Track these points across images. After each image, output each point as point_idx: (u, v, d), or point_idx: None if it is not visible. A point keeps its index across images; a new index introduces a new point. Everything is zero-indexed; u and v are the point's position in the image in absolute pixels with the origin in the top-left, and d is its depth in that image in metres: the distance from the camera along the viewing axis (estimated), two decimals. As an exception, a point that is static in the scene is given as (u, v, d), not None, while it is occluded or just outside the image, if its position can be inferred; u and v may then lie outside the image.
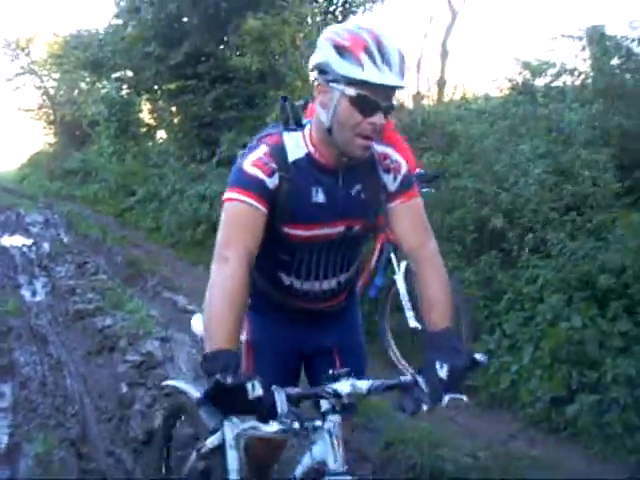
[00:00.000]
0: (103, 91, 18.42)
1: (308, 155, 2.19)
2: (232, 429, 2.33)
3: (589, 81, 6.46)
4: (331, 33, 2.04)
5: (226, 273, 1.97)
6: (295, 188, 2.15)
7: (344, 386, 1.91)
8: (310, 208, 2.19)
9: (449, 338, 2.06)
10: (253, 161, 2.12)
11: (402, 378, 2.02)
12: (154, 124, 17.34)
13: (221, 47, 12.25)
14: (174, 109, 14.22)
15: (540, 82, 6.98)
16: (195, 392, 2.67)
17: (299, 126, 2.24)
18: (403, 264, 5.10)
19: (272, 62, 10.90)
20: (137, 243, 11.87)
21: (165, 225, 12.16)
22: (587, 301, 4.65)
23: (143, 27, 12.77)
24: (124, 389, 5.02)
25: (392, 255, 5.30)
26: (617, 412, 4.09)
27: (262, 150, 2.15)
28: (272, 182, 2.12)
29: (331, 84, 2.01)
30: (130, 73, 15.42)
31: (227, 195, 2.12)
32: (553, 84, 6.84)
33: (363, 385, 1.94)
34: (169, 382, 3.35)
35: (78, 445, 4.35)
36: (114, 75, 16.45)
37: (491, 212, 5.80)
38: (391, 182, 2.27)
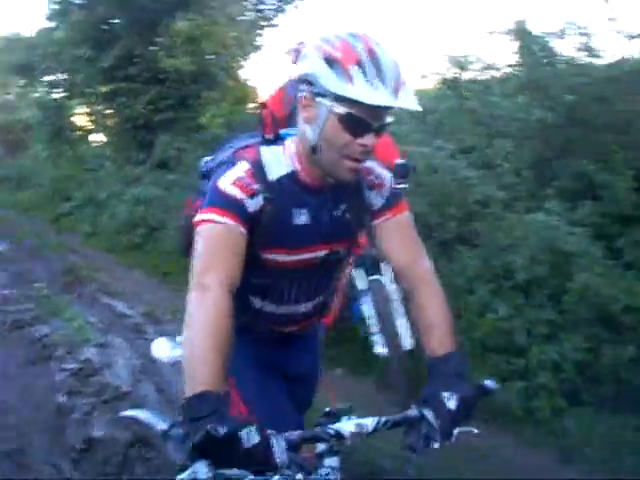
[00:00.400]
0: (35, 95, 18.09)
1: (293, 173, 1.97)
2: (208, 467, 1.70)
3: (516, 73, 6.59)
4: (321, 41, 1.80)
5: (207, 303, 1.72)
6: (277, 209, 1.94)
7: (348, 425, 1.71)
8: (292, 231, 1.98)
9: (451, 364, 1.85)
10: (232, 180, 1.88)
11: (408, 412, 1.79)
12: (89, 127, 17.07)
13: (152, 48, 12.07)
14: (109, 112, 14.04)
15: (467, 75, 7.09)
16: (160, 423, 2.37)
17: (278, 139, 2.03)
18: (365, 282, 4.74)
19: (204, 63, 10.88)
20: (74, 249, 11.64)
21: (102, 229, 11.99)
22: (513, 290, 4.79)
23: (73, 30, 12.56)
24: (62, 398, 4.97)
25: (354, 271, 4.76)
26: (545, 397, 4.24)
27: (242, 168, 1.91)
28: (254, 204, 1.89)
29: (318, 98, 1.79)
30: (63, 76, 15.16)
31: (202, 217, 1.86)
32: (479, 78, 6.95)
33: (368, 423, 1.72)
34: (127, 413, 3.08)
35: (16, 457, 4.30)
36: (47, 78, 16.16)
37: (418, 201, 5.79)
38: (376, 199, 2.08)
